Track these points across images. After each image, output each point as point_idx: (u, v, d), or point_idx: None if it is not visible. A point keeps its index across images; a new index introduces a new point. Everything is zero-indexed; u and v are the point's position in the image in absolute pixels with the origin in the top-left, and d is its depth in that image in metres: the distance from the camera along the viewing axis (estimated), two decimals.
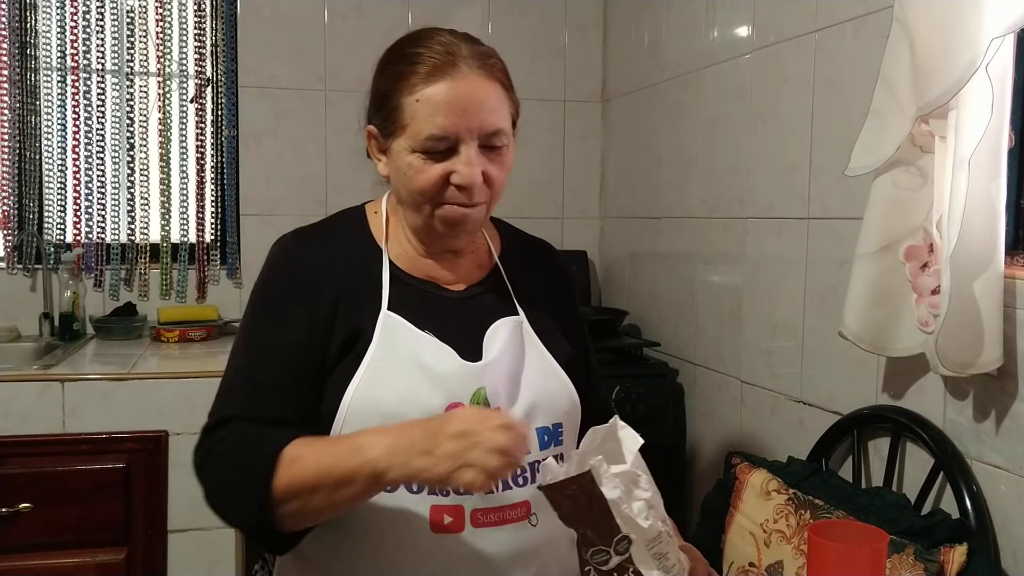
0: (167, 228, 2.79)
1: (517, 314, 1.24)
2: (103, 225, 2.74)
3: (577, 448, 1.01)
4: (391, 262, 1.22)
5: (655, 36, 2.68)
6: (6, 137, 2.64)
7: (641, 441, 1.00)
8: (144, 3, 2.73)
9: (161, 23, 2.74)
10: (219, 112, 2.81)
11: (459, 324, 1.20)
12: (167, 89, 2.75)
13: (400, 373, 1.13)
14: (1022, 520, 1.38)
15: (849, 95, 1.76)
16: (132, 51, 2.72)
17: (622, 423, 1.02)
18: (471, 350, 1.17)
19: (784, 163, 1.99)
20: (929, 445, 1.53)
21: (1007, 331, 1.37)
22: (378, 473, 1.00)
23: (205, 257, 2.82)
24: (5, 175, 2.65)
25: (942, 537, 1.39)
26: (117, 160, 2.74)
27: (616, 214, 3.01)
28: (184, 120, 2.79)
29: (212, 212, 2.82)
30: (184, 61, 2.77)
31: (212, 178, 2.82)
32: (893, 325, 1.53)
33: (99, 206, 2.73)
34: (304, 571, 1.19)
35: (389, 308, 1.17)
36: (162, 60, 2.74)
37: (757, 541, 1.59)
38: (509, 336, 1.20)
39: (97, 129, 2.71)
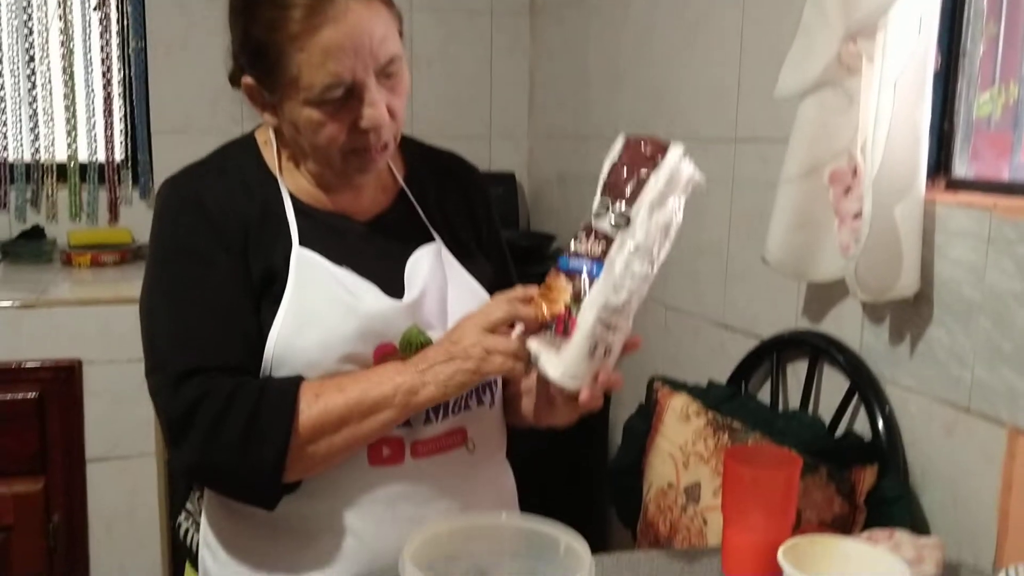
0: (73, 146, 2.65)
1: (433, 240, 1.20)
2: (4, 143, 2.59)
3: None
4: (291, 195, 1.14)
5: None
6: None
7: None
8: None
9: None
10: (125, 21, 2.64)
11: (376, 257, 1.14)
12: None
13: (322, 316, 1.07)
14: (930, 440, 1.42)
15: (781, 14, 1.72)
16: None
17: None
18: (393, 284, 1.13)
19: (712, 83, 1.96)
20: (845, 368, 1.56)
21: (925, 256, 1.37)
22: (412, 391, 1.03)
23: (116, 177, 2.70)
24: None
25: (854, 458, 1.43)
26: (16, 73, 2.58)
27: (545, 134, 2.96)
28: (88, 29, 2.62)
29: (121, 129, 2.69)
30: None
31: (120, 92, 2.67)
32: (815, 250, 1.53)
33: None
34: (235, 516, 1.14)
35: (301, 244, 1.10)
36: None
37: (676, 463, 1.61)
38: (431, 266, 1.16)
39: None
